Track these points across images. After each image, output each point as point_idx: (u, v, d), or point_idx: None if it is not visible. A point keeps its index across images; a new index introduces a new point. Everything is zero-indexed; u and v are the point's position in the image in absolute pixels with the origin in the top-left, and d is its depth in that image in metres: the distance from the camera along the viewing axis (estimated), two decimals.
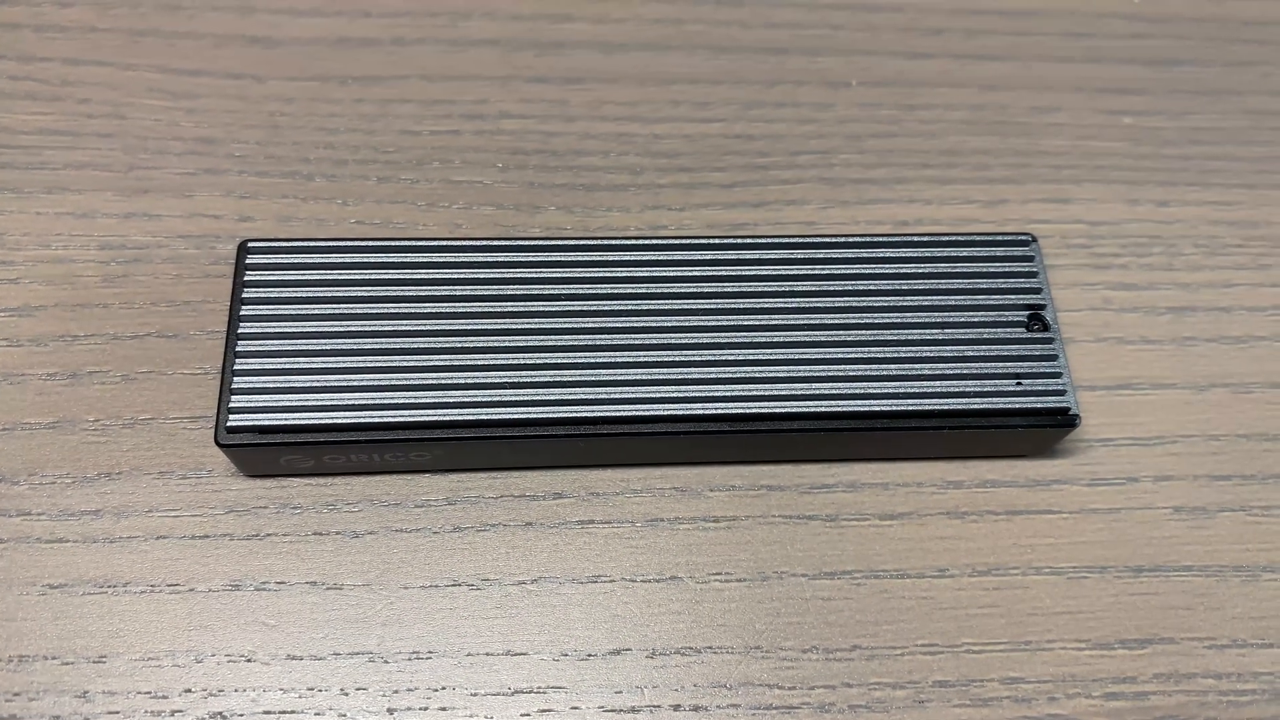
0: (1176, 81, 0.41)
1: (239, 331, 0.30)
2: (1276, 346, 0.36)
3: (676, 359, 0.31)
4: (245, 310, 0.31)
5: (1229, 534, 0.33)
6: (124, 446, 0.32)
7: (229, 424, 0.29)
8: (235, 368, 0.30)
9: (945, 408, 0.31)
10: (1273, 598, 0.32)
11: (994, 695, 0.30)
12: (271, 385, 0.30)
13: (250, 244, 0.32)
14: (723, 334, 0.31)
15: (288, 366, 0.30)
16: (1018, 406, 0.31)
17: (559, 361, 0.31)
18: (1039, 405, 0.31)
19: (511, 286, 0.31)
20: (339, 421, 0.30)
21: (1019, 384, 0.31)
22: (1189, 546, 0.33)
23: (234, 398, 0.30)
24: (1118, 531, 0.33)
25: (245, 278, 0.31)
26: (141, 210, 0.35)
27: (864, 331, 0.32)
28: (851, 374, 0.31)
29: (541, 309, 0.31)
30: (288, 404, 0.30)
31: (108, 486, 0.31)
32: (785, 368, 0.31)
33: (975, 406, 0.31)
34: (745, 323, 0.31)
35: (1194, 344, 0.36)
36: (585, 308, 0.31)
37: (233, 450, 0.30)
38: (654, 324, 0.31)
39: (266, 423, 0.29)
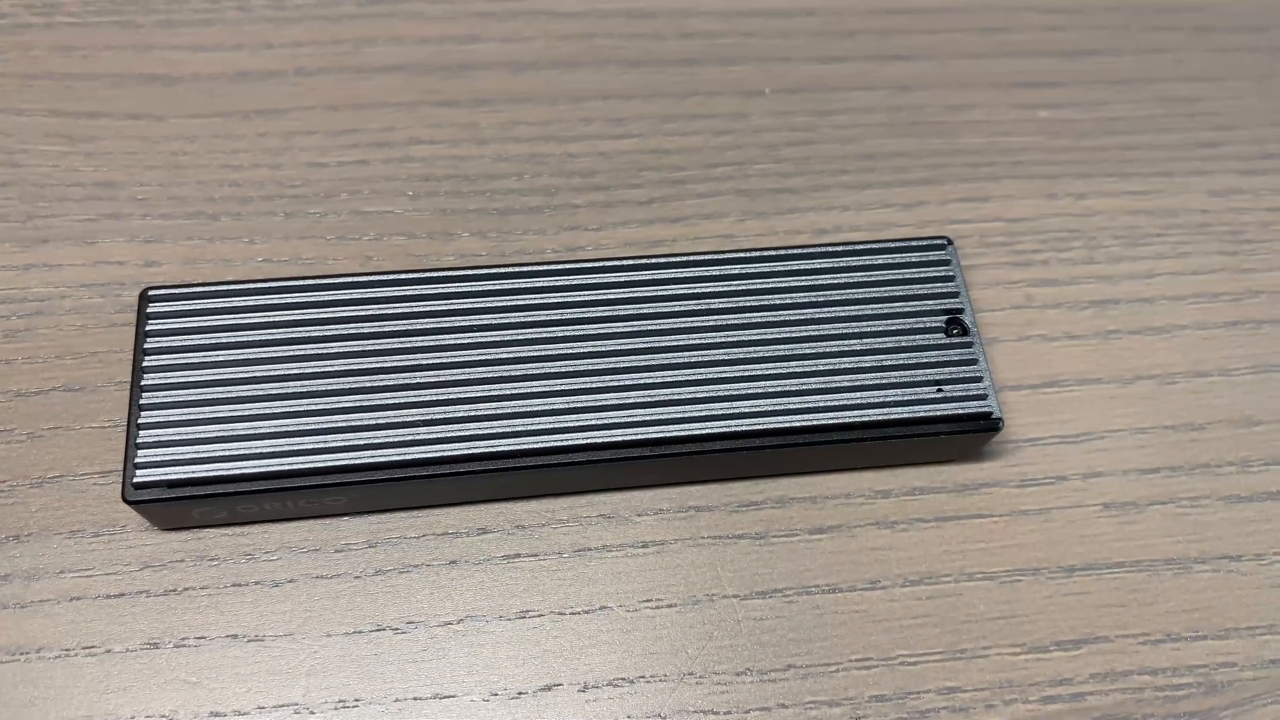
0: (1090, 72, 0.41)
1: (142, 384, 0.30)
2: (1200, 335, 0.36)
3: (595, 385, 0.30)
4: (149, 361, 0.30)
5: (1159, 527, 0.33)
6: (32, 507, 0.31)
7: (135, 480, 0.29)
8: (140, 421, 0.29)
9: (867, 419, 0.31)
10: (1204, 589, 0.32)
11: (931, 706, 0.30)
12: (178, 437, 0.29)
13: (151, 291, 0.31)
14: (641, 356, 0.31)
15: (194, 416, 0.29)
16: (940, 413, 0.31)
17: (474, 395, 0.30)
18: (961, 411, 0.31)
19: (423, 320, 0.31)
20: (249, 471, 0.29)
21: (939, 390, 0.31)
22: (1120, 543, 0.32)
23: (139, 453, 0.29)
24: (1049, 532, 0.32)
25: (147, 327, 0.30)
26: (41, 260, 0.34)
27: (782, 346, 0.31)
28: (772, 390, 0.31)
29: (454, 341, 0.31)
30: (195, 456, 0.29)
31: (16, 550, 0.30)
32: (706, 387, 0.31)
33: (897, 416, 0.31)
34: (663, 344, 0.31)
35: (1118, 337, 0.36)
36: (498, 338, 0.31)
37: (141, 506, 0.29)
38: (570, 350, 0.31)
39: (174, 476, 0.29)
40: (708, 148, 0.38)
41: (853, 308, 0.32)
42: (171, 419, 0.29)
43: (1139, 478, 0.33)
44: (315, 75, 0.38)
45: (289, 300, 0.31)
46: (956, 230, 0.37)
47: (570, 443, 0.30)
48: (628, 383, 0.30)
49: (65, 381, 0.33)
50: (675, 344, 0.31)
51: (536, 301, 0.31)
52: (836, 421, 0.30)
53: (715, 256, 0.32)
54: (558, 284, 0.32)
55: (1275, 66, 0.42)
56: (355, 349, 0.30)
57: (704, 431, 0.30)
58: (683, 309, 0.32)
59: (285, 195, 0.36)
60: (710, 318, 0.31)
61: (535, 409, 0.30)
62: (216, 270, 0.34)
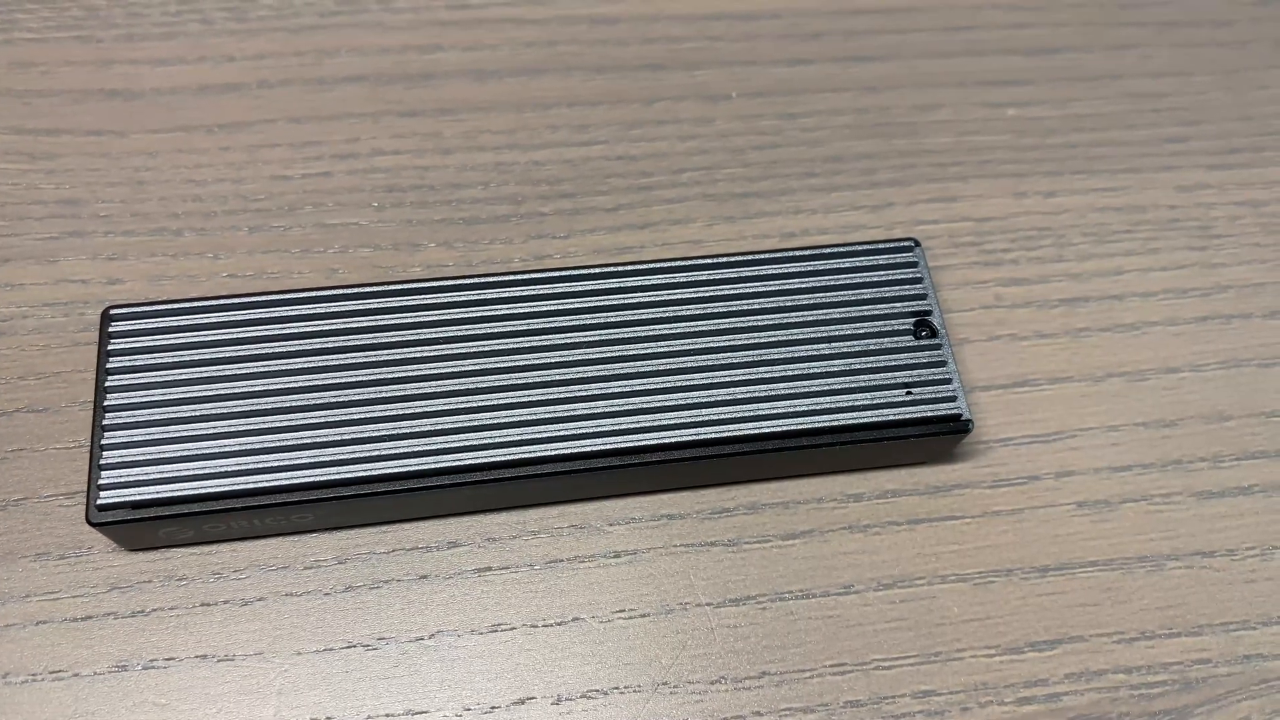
0: (1057, 69, 0.41)
1: (105, 404, 0.29)
2: (1170, 331, 0.36)
3: (563, 395, 0.30)
4: (111, 381, 0.30)
5: (1132, 525, 0.33)
6: None
7: (99, 502, 0.28)
8: (103, 443, 0.29)
9: (837, 423, 0.30)
10: (1177, 586, 0.32)
11: (906, 711, 0.30)
12: (143, 457, 0.29)
13: (113, 310, 0.30)
14: (610, 365, 0.31)
15: (159, 436, 0.29)
16: (909, 416, 0.31)
17: (442, 408, 0.30)
18: (930, 414, 0.31)
19: (388, 334, 0.31)
20: (215, 490, 0.29)
21: (909, 393, 0.31)
22: (1093, 542, 0.32)
23: (103, 474, 0.28)
24: (1022, 532, 0.32)
25: (110, 346, 0.30)
26: (3, 280, 0.34)
27: (751, 352, 0.31)
28: (742, 396, 0.30)
29: (421, 354, 0.30)
30: (161, 475, 0.29)
31: None
32: (676, 395, 0.30)
33: (867, 420, 0.31)
34: (633, 351, 0.31)
35: (1088, 335, 0.36)
36: (465, 350, 0.31)
37: (107, 527, 0.29)
38: (539, 360, 0.31)
39: (139, 497, 0.28)
40: (674, 153, 0.38)
41: (821, 312, 0.32)
42: (136, 439, 0.29)
43: (1111, 476, 0.33)
44: (277, 87, 0.38)
45: (253, 316, 0.31)
46: (925, 231, 0.37)
47: (540, 453, 0.30)
48: (597, 392, 0.30)
49: (28, 402, 0.32)
50: (645, 351, 0.31)
51: (505, 312, 0.31)
52: (806, 426, 0.30)
53: (683, 263, 0.32)
54: (526, 294, 0.31)
55: (1241, 61, 0.42)
56: (321, 364, 0.30)
57: (675, 439, 0.30)
58: (652, 316, 0.31)
59: (249, 209, 0.36)
60: (679, 324, 0.31)
61: (505, 420, 0.30)
62: (181, 286, 0.34)
